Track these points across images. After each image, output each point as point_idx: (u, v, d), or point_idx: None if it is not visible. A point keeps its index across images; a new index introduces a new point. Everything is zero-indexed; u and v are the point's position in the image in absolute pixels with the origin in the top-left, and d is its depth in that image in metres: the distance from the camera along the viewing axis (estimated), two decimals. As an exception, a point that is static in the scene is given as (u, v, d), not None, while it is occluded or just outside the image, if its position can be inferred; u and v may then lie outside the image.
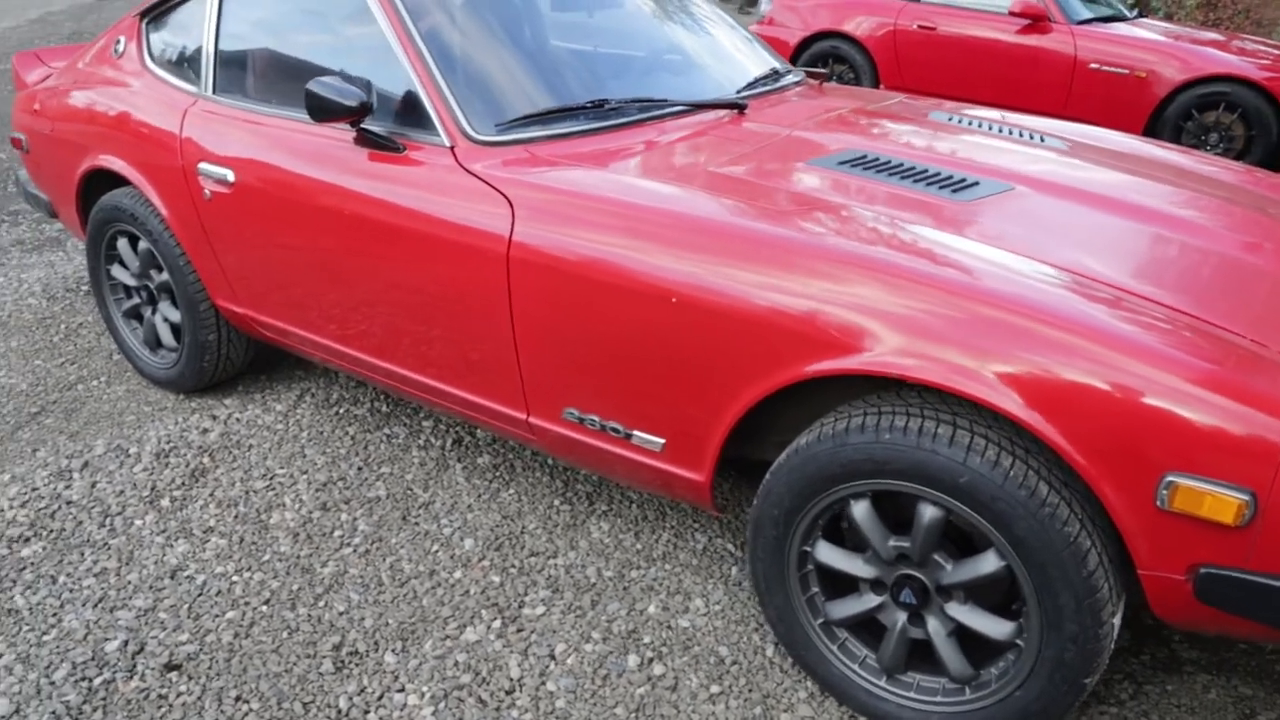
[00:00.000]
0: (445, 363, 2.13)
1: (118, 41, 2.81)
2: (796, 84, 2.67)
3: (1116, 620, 1.56)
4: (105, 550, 2.23)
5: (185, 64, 2.60)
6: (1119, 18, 5.82)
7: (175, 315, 2.76)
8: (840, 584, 1.82)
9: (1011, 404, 1.46)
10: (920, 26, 5.94)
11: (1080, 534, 1.49)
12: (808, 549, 1.78)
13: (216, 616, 2.04)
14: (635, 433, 1.90)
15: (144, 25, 2.76)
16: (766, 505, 1.76)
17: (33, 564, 2.19)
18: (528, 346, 1.95)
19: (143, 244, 2.74)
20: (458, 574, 2.18)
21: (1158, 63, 5.23)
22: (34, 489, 2.44)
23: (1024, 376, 1.45)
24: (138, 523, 2.33)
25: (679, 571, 2.20)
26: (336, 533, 2.30)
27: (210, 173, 2.39)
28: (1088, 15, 5.62)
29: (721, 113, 2.29)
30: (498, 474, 2.53)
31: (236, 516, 2.35)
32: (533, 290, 1.87)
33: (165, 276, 2.73)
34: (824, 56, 6.39)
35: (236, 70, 2.46)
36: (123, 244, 2.82)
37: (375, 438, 2.68)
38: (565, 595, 2.12)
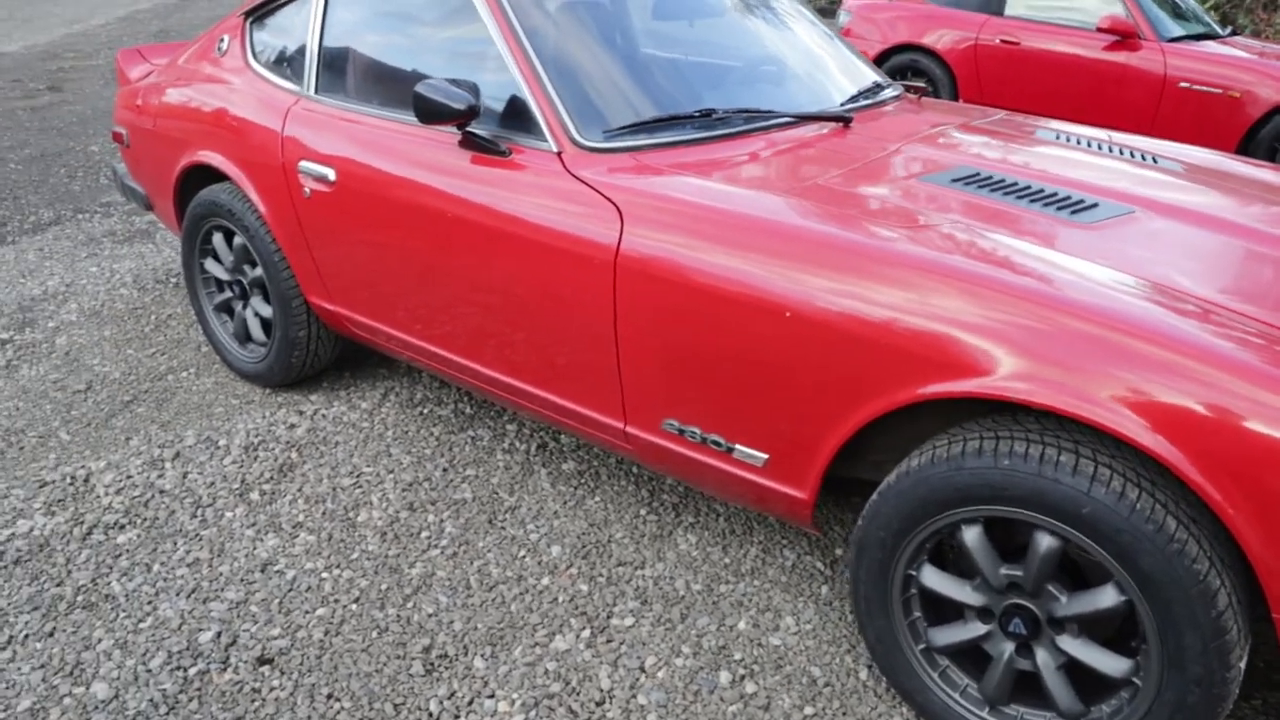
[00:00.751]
0: (540, 367, 2.12)
1: (221, 40, 2.86)
2: (896, 98, 2.62)
3: (1243, 665, 1.49)
4: (197, 541, 2.26)
5: (288, 63, 2.64)
6: (1211, 35, 5.66)
7: (267, 310, 2.80)
8: (943, 610, 1.77)
9: (1140, 432, 1.40)
10: (1003, 41, 5.84)
11: (1210, 572, 1.43)
12: (913, 573, 1.73)
13: (307, 613, 2.05)
14: (737, 447, 1.87)
15: (248, 24, 2.80)
16: (873, 527, 1.72)
17: (128, 551, 2.22)
18: (631, 355, 1.93)
19: (238, 239, 2.78)
20: (545, 580, 2.17)
21: (1254, 83, 5.07)
22: (129, 477, 2.48)
23: (1154, 405, 1.39)
24: (228, 515, 2.35)
25: (768, 588, 2.17)
26: (424, 534, 2.30)
27: (311, 171, 2.42)
28: (1179, 33, 5.48)
29: (826, 125, 2.26)
30: (583, 481, 2.52)
31: (324, 513, 2.37)
32: (640, 299, 1.86)
33: (259, 272, 2.76)
34: (902, 70, 6.31)
35: (339, 71, 2.49)
36: (218, 239, 2.86)
37: (460, 439, 2.69)
38: (654, 607, 2.10)
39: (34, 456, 2.57)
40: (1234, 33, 6.01)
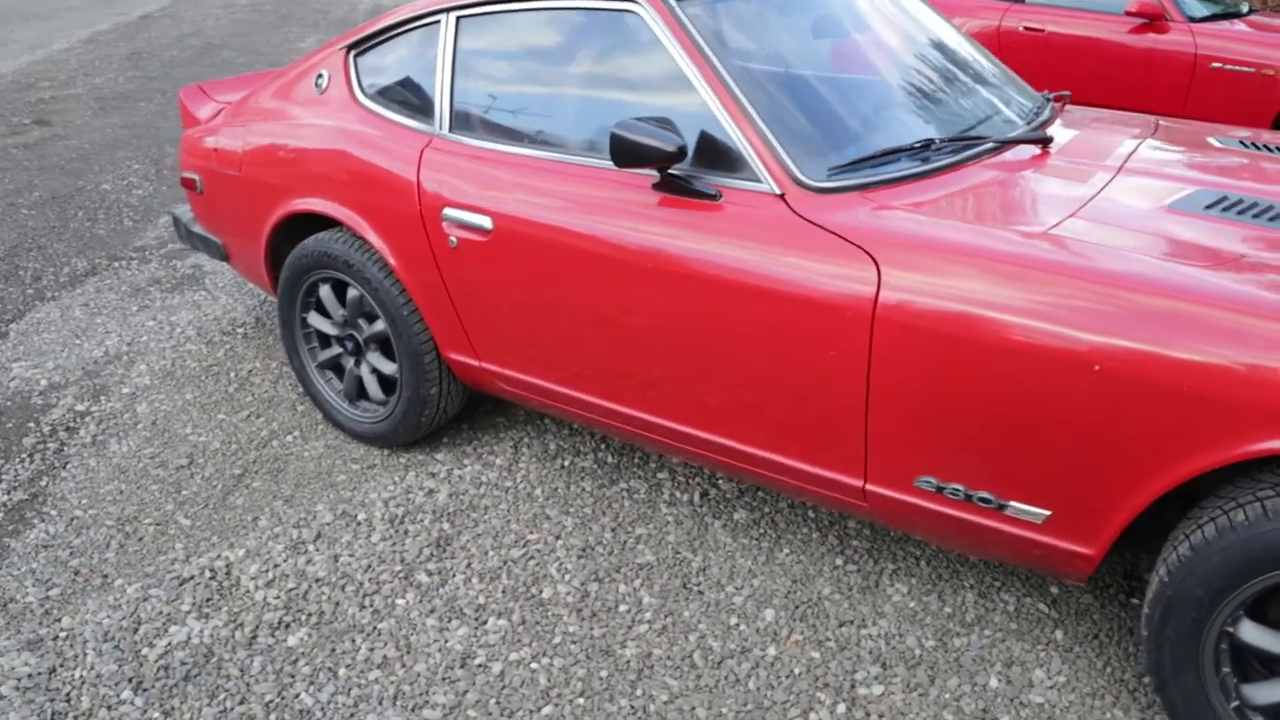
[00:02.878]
0: (756, 425, 1.96)
1: (319, 75, 2.63)
2: (1052, 110, 2.49)
3: None
4: (376, 636, 2.05)
5: (409, 99, 2.42)
6: (1235, 14, 5.66)
7: (388, 367, 2.58)
8: (1249, 664, 1.65)
9: None
10: (1027, 28, 5.77)
11: None
12: (1229, 629, 1.61)
13: (532, 713, 1.86)
14: (1011, 504, 1.73)
15: (351, 58, 2.57)
16: (1188, 584, 1.59)
17: (305, 654, 2.01)
18: (884, 412, 1.77)
19: (352, 291, 2.56)
20: (771, 651, 2.01)
21: (1287, 59, 5.07)
22: (275, 566, 2.26)
23: None
24: (399, 602, 2.15)
25: (1003, 638, 2.03)
26: (622, 607, 2.13)
27: (458, 219, 2.21)
28: (1205, 12, 5.46)
29: (1027, 148, 2.11)
30: (762, 530, 2.36)
31: (505, 591, 2.17)
32: (902, 352, 1.70)
33: (379, 326, 2.54)
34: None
35: (479, 106, 2.28)
36: (325, 291, 2.63)
37: (614, 494, 2.51)
38: (897, 670, 1.95)
39: (159, 548, 2.33)
40: (1251, 10, 6.03)
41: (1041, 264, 1.60)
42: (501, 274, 2.19)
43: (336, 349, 2.73)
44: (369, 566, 2.25)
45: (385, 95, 2.48)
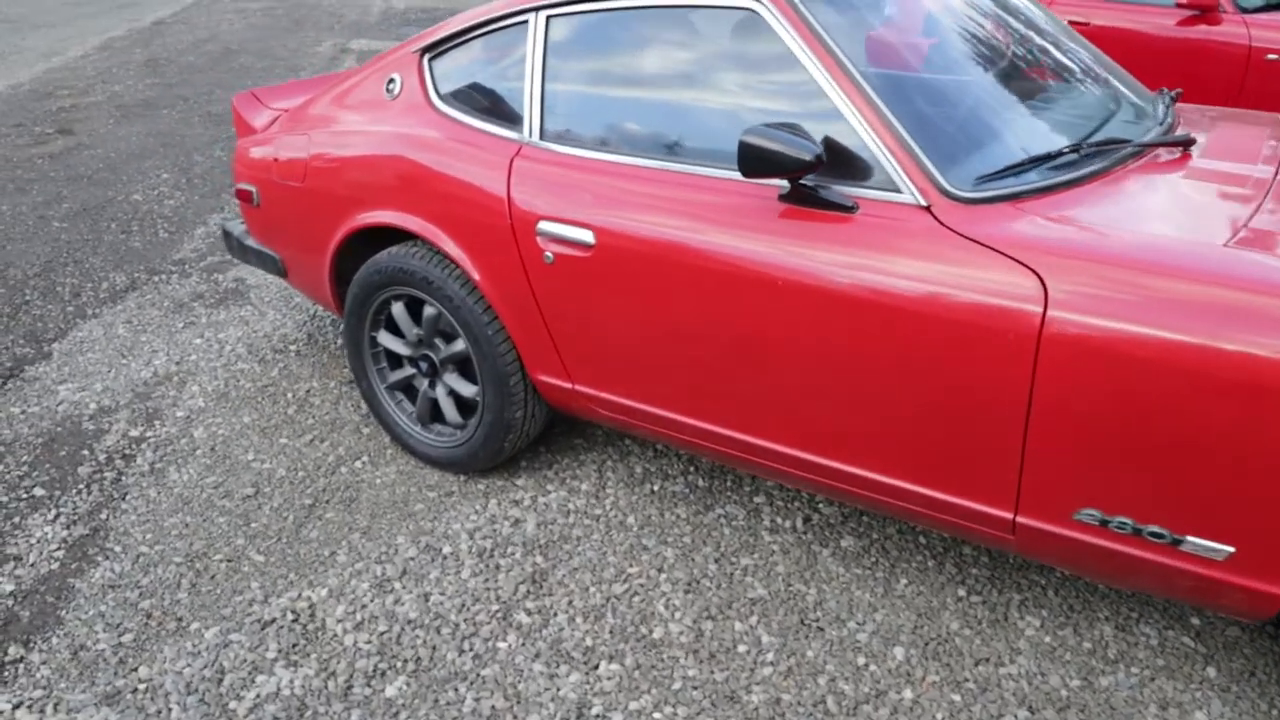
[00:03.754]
0: (897, 453, 1.81)
1: (390, 80, 2.48)
2: (1173, 107, 2.35)
3: None
4: (481, 684, 1.91)
5: (493, 105, 2.27)
6: (1285, 4, 5.52)
7: (467, 389, 2.44)
8: None
9: None
10: (1072, 22, 5.63)
11: None
12: None
13: (662, 769, 1.72)
14: (1188, 539, 1.59)
15: (426, 61, 2.43)
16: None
17: (406, 706, 1.86)
18: (1044, 440, 1.63)
19: (429, 309, 2.41)
20: (908, 694, 1.87)
21: (1346, 51, 4.93)
22: (363, 606, 2.11)
23: None
24: (501, 645, 2.00)
25: (1152, 676, 1.89)
26: (740, 647, 1.98)
27: (556, 233, 2.07)
28: (1258, 3, 5.32)
29: (1170, 150, 1.97)
30: (874, 559, 2.22)
31: (612, 631, 2.03)
32: (1071, 376, 1.56)
33: (459, 347, 2.40)
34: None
35: (574, 112, 2.13)
36: (398, 309, 2.48)
37: (712, 521, 2.36)
38: (1045, 715, 1.81)
39: (234, 587, 2.18)
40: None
41: (1227, 278, 1.46)
42: (605, 292, 2.04)
43: (409, 370, 2.58)
44: (463, 606, 2.11)
45: (464, 100, 2.33)
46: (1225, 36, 5.22)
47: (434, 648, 2.00)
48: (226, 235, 3.04)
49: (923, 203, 1.70)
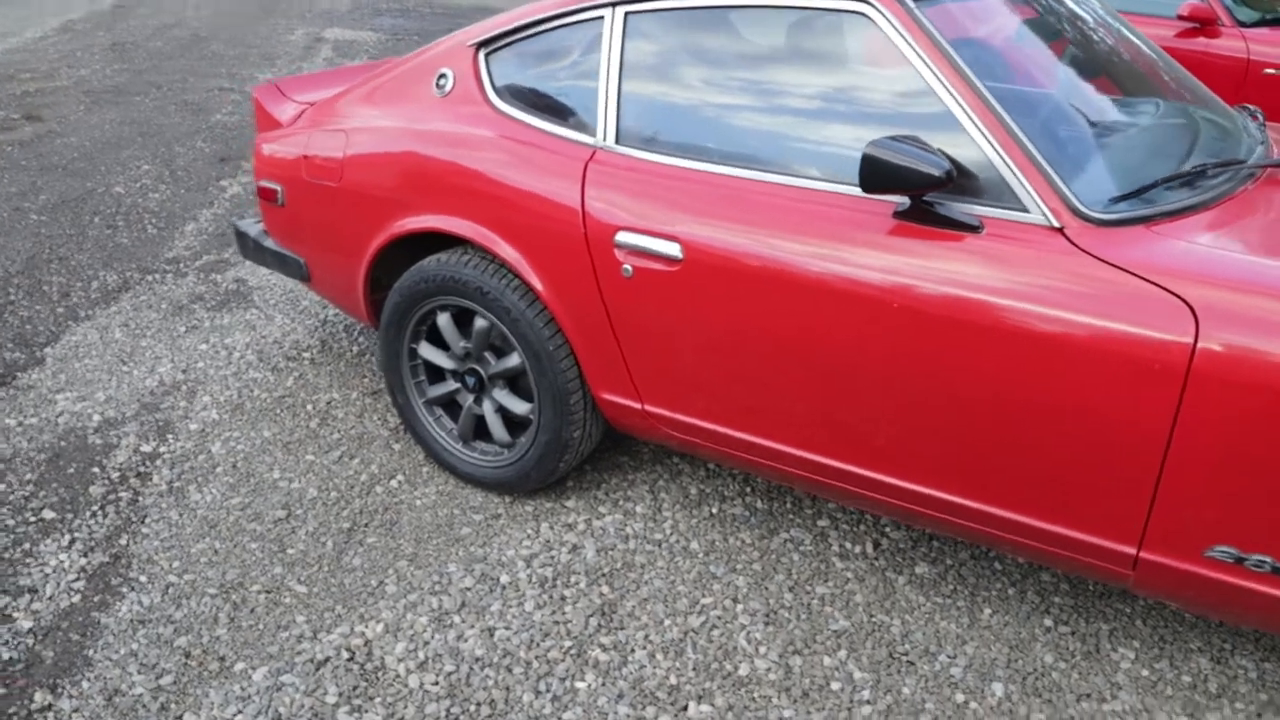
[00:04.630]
0: (1011, 484, 1.72)
1: (440, 76, 2.32)
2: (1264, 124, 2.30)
3: None
4: (563, 728, 1.78)
5: (561, 105, 2.13)
6: (1280, 19, 5.58)
7: (520, 406, 2.29)
8: None
9: None
10: (1072, 29, 5.64)
11: None
12: None
13: (773, 823, 1.61)
14: (1334, 578, 1.52)
15: (483, 57, 2.28)
16: None
17: (486, 754, 1.73)
18: (1183, 475, 1.55)
19: (480, 321, 2.27)
20: (1015, 737, 1.78)
21: (1342, 66, 4.99)
22: (424, 643, 1.96)
23: None
24: (580, 686, 1.87)
25: (1258, 711, 1.83)
26: (834, 684, 1.88)
27: (637, 245, 1.94)
28: (1256, 17, 5.37)
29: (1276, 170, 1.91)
30: (952, 587, 2.13)
31: (696, 669, 1.91)
32: (1221, 410, 1.48)
33: (513, 361, 2.26)
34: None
35: (655, 115, 2.00)
36: (444, 320, 2.33)
37: (779, 546, 2.26)
38: (1161, 761, 1.74)
39: (277, 621, 2.02)
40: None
41: None
42: (690, 309, 1.92)
43: (452, 384, 2.43)
44: (532, 642, 1.97)
45: (527, 100, 2.19)
46: (1223, 50, 5.26)
47: (508, 689, 1.86)
48: (240, 235, 2.85)
49: (1055, 224, 1.61)
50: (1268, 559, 1.56)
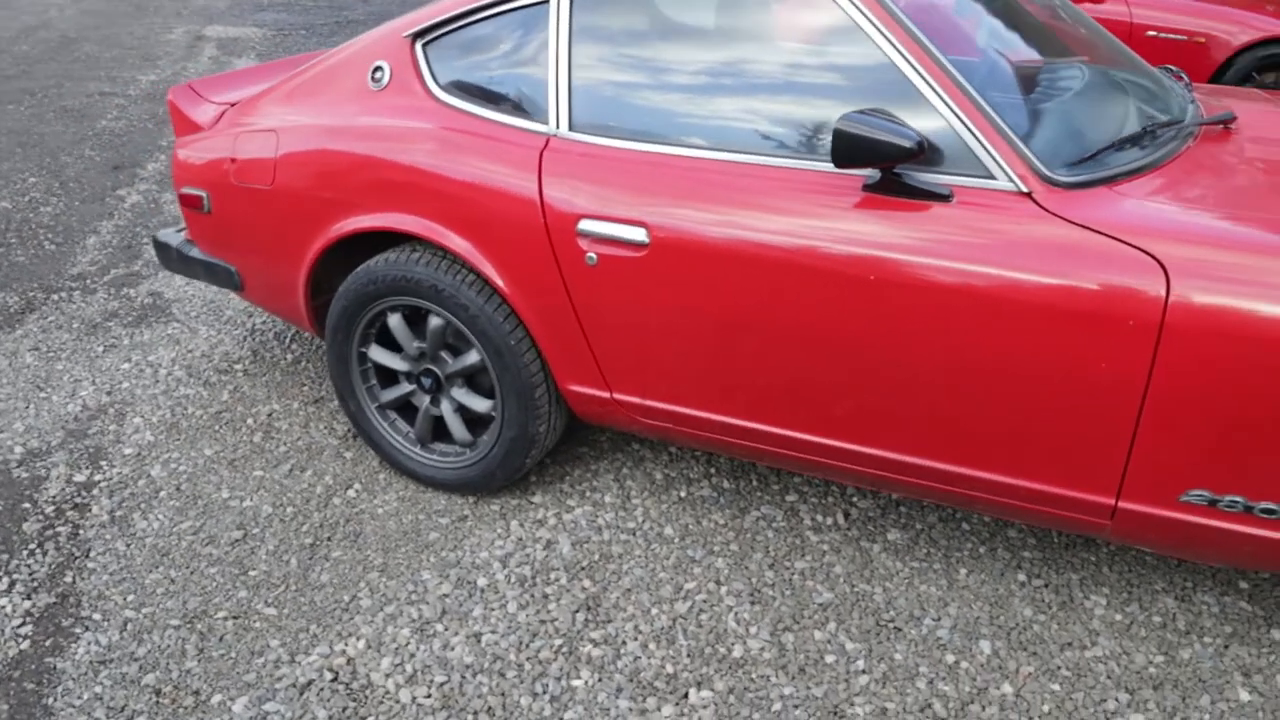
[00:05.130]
0: (989, 447, 1.76)
1: (376, 69, 2.23)
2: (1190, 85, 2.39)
3: None
4: (566, 727, 1.75)
5: (509, 94, 2.07)
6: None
7: (480, 404, 2.24)
8: None
9: None
10: (966, -1, 5.79)
11: None
12: None
13: (790, 800, 1.62)
14: (1300, 510, 1.61)
15: (419, 48, 2.19)
16: None
17: (491, 763, 1.69)
18: (1157, 426, 1.61)
19: (435, 320, 2.20)
20: (1008, 688, 1.83)
21: (1216, 27, 5.27)
22: (410, 656, 1.90)
23: None
24: (576, 684, 1.84)
25: (1226, 644, 1.93)
26: (828, 658, 1.90)
27: (600, 232, 1.91)
28: (1135, -18, 5.61)
29: (1210, 128, 1.99)
30: (925, 550, 2.17)
31: (690, 654, 1.90)
32: (1193, 360, 1.53)
33: (471, 359, 2.20)
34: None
35: (610, 99, 1.97)
36: (395, 321, 2.25)
37: (752, 524, 2.26)
38: (1145, 695, 1.81)
39: (250, 648, 1.93)
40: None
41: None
42: (659, 294, 1.90)
43: (406, 386, 2.35)
44: (521, 644, 1.93)
45: (470, 90, 2.12)
46: (1107, 14, 5.47)
47: (504, 694, 1.82)
48: (161, 247, 2.69)
49: (1023, 189, 1.64)
50: (1240, 499, 1.63)
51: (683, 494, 2.37)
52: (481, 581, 2.09)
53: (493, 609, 2.02)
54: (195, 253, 2.61)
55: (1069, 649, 1.92)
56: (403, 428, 2.41)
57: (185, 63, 6.75)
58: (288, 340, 3.09)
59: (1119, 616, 2.00)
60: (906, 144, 1.58)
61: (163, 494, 2.37)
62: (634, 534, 2.23)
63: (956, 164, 1.69)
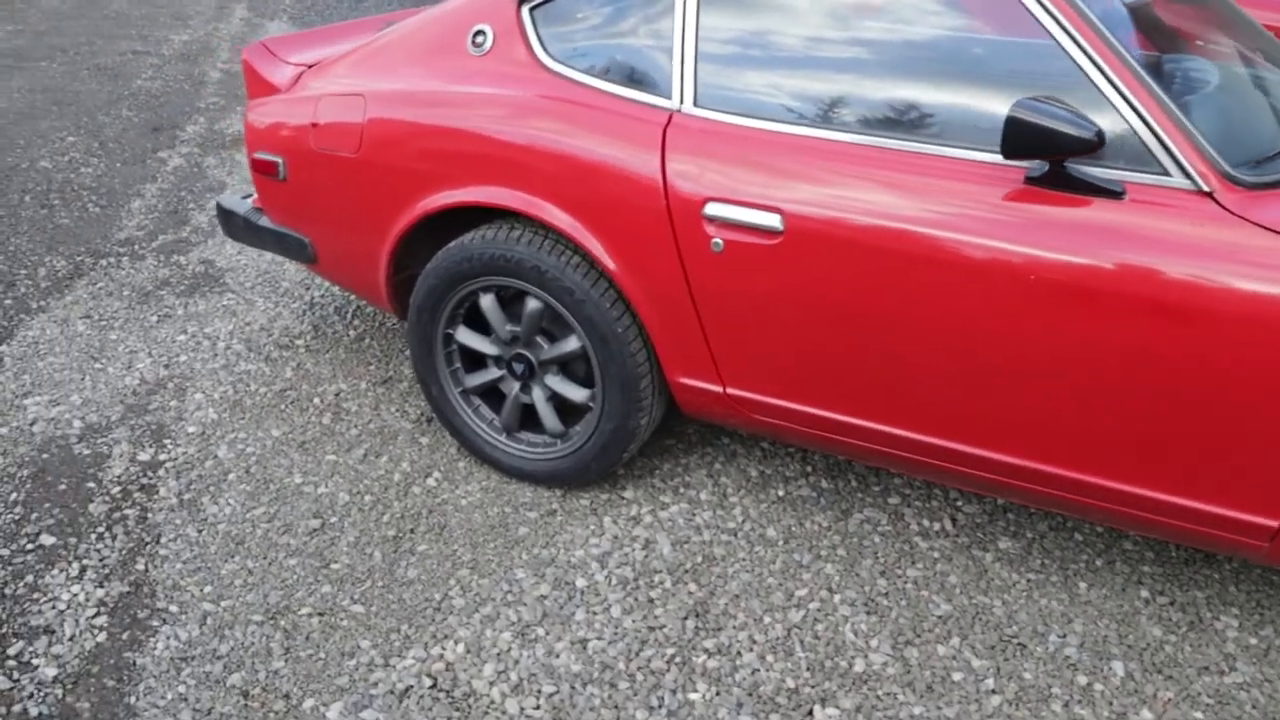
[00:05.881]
0: (1149, 460, 1.64)
1: (477, 33, 2.09)
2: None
3: None
4: (686, 745, 1.64)
5: (627, 65, 1.94)
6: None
7: (578, 393, 2.12)
8: None
9: None
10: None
11: None
12: None
13: (935, 833, 1.51)
14: None
15: (527, 12, 2.05)
16: None
17: (611, 782, 1.58)
18: (1348, 442, 1.49)
19: (532, 303, 2.07)
20: (1147, 715, 1.72)
21: None
22: (514, 663, 1.79)
23: None
24: (694, 697, 1.74)
25: (1369, 676, 1.83)
26: (955, 675, 1.79)
27: (729, 217, 1.78)
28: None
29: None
30: (1039, 561, 2.06)
31: (810, 668, 1.80)
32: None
33: (571, 346, 2.07)
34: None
35: (741, 74, 1.83)
36: (488, 302, 2.13)
37: (856, 528, 2.15)
38: (1294, 731, 1.71)
39: (340, 648, 1.82)
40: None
41: None
42: (791, 285, 1.77)
43: (494, 372, 2.23)
44: (630, 652, 1.82)
45: (585, 59, 1.99)
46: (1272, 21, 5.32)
47: (617, 707, 1.71)
48: (226, 214, 2.56)
49: (1204, 188, 1.51)
50: None
51: (780, 493, 2.26)
52: (580, 582, 1.98)
53: (596, 613, 1.91)
54: (265, 221, 2.48)
55: (1206, 674, 1.82)
56: (487, 414, 2.29)
57: (216, 23, 6.58)
58: (349, 315, 2.97)
59: (1254, 640, 1.90)
60: (1087, 135, 1.45)
61: (231, 476, 2.25)
62: (735, 535, 2.12)
63: (1126, 158, 1.56)
